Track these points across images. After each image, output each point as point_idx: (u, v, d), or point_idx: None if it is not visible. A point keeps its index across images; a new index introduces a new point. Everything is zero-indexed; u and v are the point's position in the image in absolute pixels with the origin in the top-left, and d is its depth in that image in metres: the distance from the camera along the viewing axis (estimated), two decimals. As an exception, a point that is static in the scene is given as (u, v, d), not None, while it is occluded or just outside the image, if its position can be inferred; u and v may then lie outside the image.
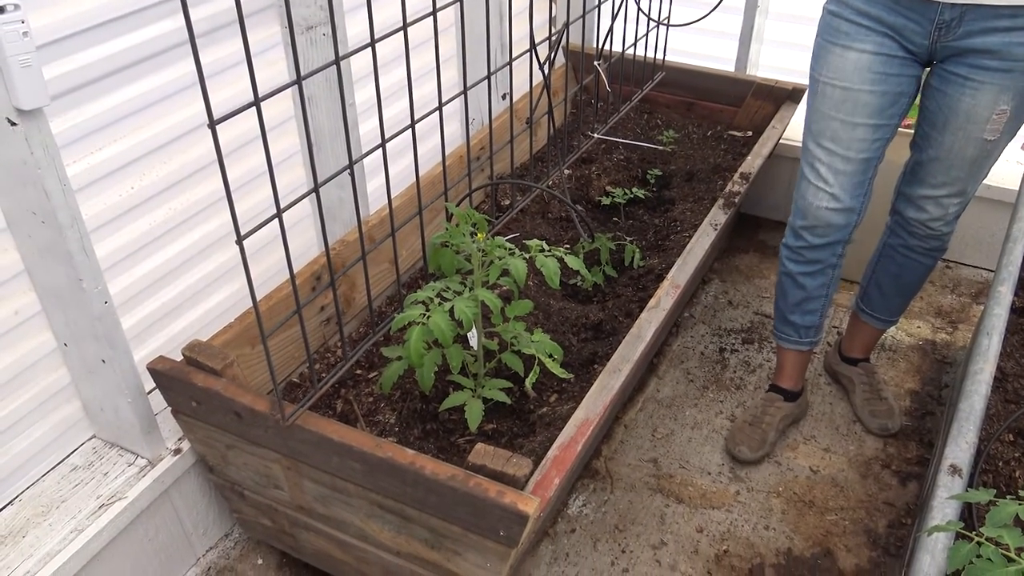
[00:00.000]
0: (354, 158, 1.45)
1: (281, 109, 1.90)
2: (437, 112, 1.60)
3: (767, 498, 2.07)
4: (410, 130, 1.54)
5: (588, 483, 2.11)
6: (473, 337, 1.81)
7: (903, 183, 1.97)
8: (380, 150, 1.48)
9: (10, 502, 1.67)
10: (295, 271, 1.94)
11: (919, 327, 2.62)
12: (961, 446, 1.22)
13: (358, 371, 1.99)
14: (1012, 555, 0.88)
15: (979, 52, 1.63)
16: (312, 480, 1.59)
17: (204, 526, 1.93)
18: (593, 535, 1.98)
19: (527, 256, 1.68)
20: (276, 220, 1.27)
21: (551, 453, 1.52)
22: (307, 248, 2.11)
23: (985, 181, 2.08)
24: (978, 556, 0.87)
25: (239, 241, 1.21)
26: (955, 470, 1.18)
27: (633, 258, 2.27)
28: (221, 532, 1.99)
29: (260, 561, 1.93)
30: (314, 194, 1.36)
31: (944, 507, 1.10)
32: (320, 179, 1.61)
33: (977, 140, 1.74)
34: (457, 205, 1.74)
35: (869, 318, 2.24)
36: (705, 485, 2.11)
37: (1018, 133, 1.78)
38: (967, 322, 2.64)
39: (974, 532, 0.91)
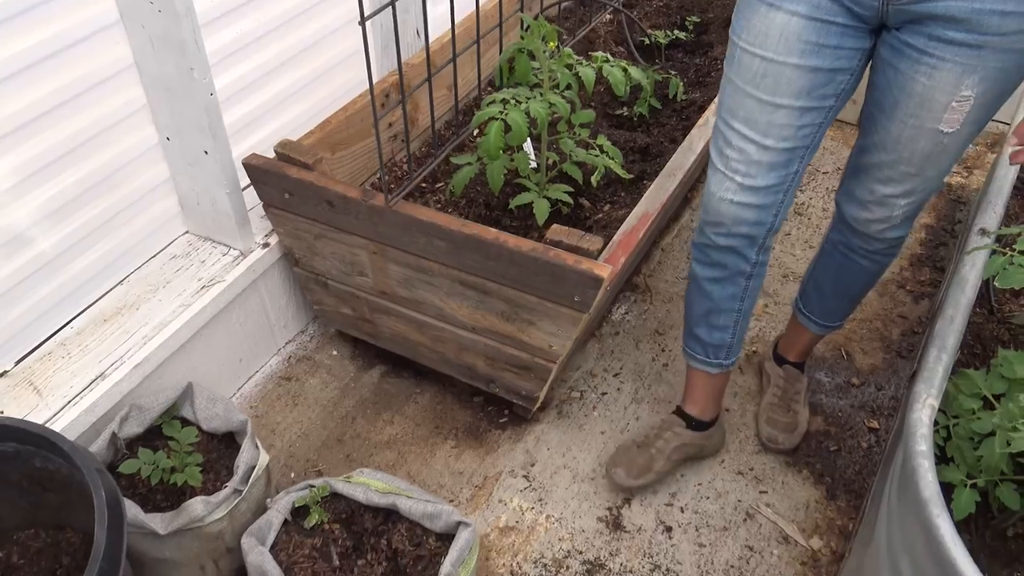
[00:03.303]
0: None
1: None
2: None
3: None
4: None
5: (630, 295, 2.31)
6: (533, 160, 1.96)
7: (848, 171, 1.61)
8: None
9: (120, 282, 1.85)
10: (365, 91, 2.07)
11: (936, 172, 2.78)
12: (989, 215, 1.39)
13: (423, 184, 2.15)
14: (1039, 265, 1.07)
15: (941, 20, 1.25)
16: (397, 263, 1.77)
17: (285, 320, 2.13)
18: (635, 337, 2.19)
19: (595, 67, 1.82)
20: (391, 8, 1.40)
21: (616, 237, 1.70)
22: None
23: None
24: (1011, 264, 1.06)
25: (362, 22, 1.34)
26: (984, 232, 1.36)
27: (677, 91, 2.39)
28: (298, 328, 2.19)
29: (335, 352, 2.14)
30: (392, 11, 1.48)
31: (974, 258, 1.29)
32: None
33: (931, 132, 1.35)
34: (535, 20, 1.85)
35: (806, 320, 1.92)
36: (736, 300, 2.31)
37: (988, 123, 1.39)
38: (982, 168, 2.80)
39: (1007, 249, 1.09)
